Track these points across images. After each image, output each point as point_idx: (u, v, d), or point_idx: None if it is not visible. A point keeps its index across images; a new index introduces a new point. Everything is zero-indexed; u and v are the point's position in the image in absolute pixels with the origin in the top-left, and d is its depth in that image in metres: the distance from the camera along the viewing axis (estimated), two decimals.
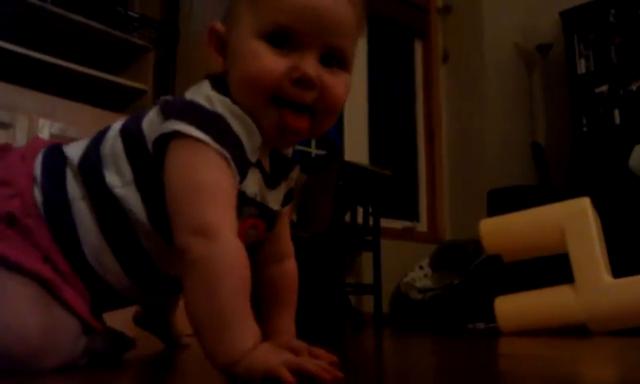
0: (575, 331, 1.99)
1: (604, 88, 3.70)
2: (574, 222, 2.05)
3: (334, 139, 3.69)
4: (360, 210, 3.05)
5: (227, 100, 0.72)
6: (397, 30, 4.00)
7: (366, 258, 3.19)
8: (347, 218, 3.00)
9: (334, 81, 0.73)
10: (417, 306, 3.22)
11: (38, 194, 0.77)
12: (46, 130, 1.82)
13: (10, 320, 0.69)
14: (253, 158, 0.73)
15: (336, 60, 0.73)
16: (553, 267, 2.17)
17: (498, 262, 2.33)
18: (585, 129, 3.73)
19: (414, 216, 3.93)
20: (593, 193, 2.20)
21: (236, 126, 0.71)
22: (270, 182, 0.79)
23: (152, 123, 0.75)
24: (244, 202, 0.75)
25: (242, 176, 0.72)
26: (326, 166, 2.81)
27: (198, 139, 0.67)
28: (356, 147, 3.60)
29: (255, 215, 0.79)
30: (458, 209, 3.88)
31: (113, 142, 0.77)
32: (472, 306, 2.84)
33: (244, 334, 0.63)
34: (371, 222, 3.06)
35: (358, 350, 1.35)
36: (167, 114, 0.71)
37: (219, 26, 0.76)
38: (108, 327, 0.89)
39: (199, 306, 0.65)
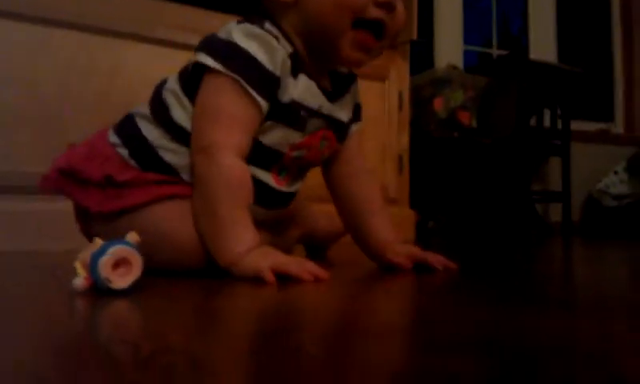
0: None
1: None
2: None
3: (517, 36, 3.46)
4: (547, 113, 2.87)
5: (246, 25, 0.80)
6: None
7: (555, 164, 3.03)
8: (533, 121, 2.84)
9: (400, 5, 0.82)
10: (611, 214, 3.01)
11: (121, 150, 0.86)
12: None
13: (179, 234, 0.79)
14: (280, 71, 0.79)
15: None
16: None
17: None
18: None
19: (609, 116, 3.62)
20: None
21: (250, 45, 0.78)
22: (332, 96, 0.87)
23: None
24: (309, 114, 0.84)
25: (269, 91, 0.79)
26: (509, 67, 2.66)
27: (214, 69, 0.78)
28: (543, 43, 3.36)
29: (324, 127, 0.87)
30: None
31: (172, 82, 0.87)
32: None
33: (238, 241, 0.74)
34: (560, 125, 2.87)
35: (545, 260, 1.30)
36: (197, 47, 0.82)
37: None
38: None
39: (201, 217, 0.78)
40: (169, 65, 1.26)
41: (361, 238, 0.95)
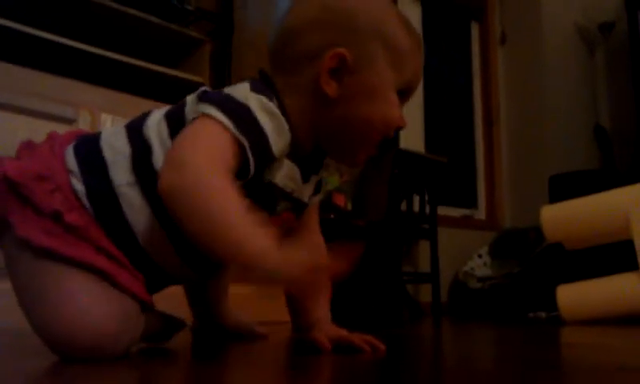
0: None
1: None
2: None
3: None
4: (416, 198, 3.03)
5: (262, 98, 0.75)
6: (452, 11, 3.93)
7: (424, 247, 3.17)
8: (403, 206, 2.98)
9: None
10: (476, 295, 3.18)
11: (77, 185, 0.76)
12: (108, 125, 1.87)
13: (76, 311, 0.71)
14: (278, 153, 0.76)
15: None
16: (617, 254, 2.10)
17: (559, 249, 2.28)
18: None
19: (472, 203, 3.87)
20: None
21: (265, 121, 0.74)
22: (305, 176, 0.84)
23: (191, 109, 0.77)
24: (281, 196, 0.80)
25: (261, 166, 0.75)
26: (381, 154, 2.80)
27: (221, 122, 0.71)
28: (411, 134, 3.57)
29: (289, 209, 0.84)
30: (518, 195, 3.80)
31: (158, 127, 0.79)
32: (533, 295, 2.78)
33: (259, 234, 0.66)
34: (428, 210, 3.03)
35: (416, 339, 1.34)
36: (202, 99, 0.75)
37: (348, 54, 0.78)
38: (157, 309, 0.90)
39: (200, 233, 0.67)
40: (35, 135, 1.21)
41: (295, 308, 0.94)
